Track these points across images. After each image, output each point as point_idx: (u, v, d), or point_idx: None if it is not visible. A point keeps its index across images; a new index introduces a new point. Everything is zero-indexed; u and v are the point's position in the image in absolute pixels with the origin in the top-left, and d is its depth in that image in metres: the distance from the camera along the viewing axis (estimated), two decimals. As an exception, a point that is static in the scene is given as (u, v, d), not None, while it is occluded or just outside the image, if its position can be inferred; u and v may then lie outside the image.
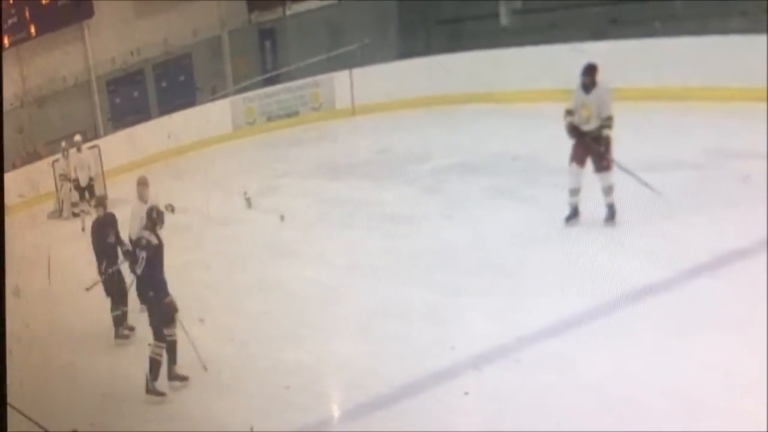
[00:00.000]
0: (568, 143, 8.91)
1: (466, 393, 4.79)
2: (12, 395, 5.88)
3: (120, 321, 7.10)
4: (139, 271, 6.21)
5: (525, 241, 6.88)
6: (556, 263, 6.29)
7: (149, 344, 6.37)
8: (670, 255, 5.85)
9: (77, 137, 12.03)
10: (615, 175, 6.85)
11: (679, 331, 4.84)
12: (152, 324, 6.10)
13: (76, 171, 11.40)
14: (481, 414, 4.62)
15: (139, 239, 6.37)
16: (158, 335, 6.01)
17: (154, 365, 5.90)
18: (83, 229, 10.51)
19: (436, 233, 7.57)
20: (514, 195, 7.80)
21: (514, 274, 6.27)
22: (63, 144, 12.27)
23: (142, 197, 7.09)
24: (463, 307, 5.88)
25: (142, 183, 7.24)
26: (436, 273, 6.62)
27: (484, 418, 4.54)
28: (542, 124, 9.26)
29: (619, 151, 7.94)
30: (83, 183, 11.21)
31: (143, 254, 6.21)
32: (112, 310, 7.14)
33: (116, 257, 7.12)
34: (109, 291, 7.19)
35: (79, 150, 11.55)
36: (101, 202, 7.47)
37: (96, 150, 12.25)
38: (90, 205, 10.93)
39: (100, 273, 7.17)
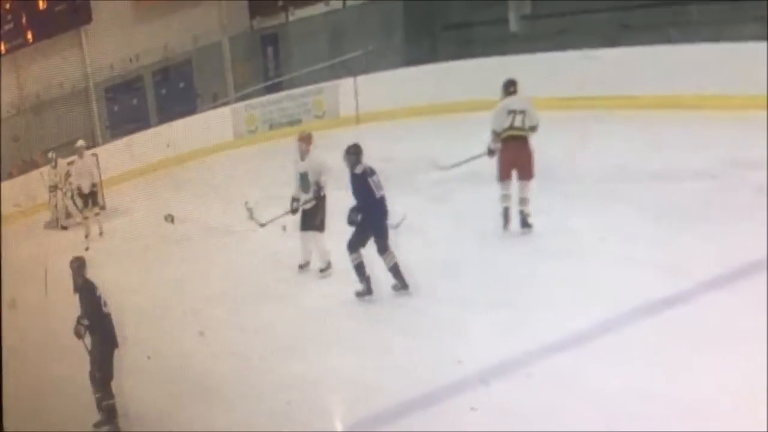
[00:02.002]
0: (582, 153, 9.06)
1: (474, 408, 4.81)
2: (7, 409, 5.94)
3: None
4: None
5: (532, 253, 6.93)
6: (567, 276, 6.33)
7: (148, 357, 6.47)
8: (684, 267, 5.89)
9: (80, 142, 12.09)
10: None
11: (692, 346, 4.87)
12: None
13: (78, 178, 11.47)
14: (489, 430, 4.63)
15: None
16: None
17: None
18: (87, 236, 10.58)
19: (443, 244, 7.63)
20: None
21: (523, 287, 6.32)
22: (50, 154, 12.34)
23: (302, 155, 7.29)
24: (470, 320, 5.91)
25: (304, 139, 7.37)
26: (442, 285, 6.66)
27: (492, 432, 4.56)
28: (554, 133, 9.33)
29: (631, 160, 8.04)
30: (86, 190, 11.28)
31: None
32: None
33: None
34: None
35: (81, 156, 11.64)
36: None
37: (94, 158, 12.32)
38: (93, 214, 11.06)
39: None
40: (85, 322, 5.79)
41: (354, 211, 6.54)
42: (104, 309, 5.88)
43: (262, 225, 7.81)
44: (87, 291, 5.86)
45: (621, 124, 9.06)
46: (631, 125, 9.02)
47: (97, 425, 5.80)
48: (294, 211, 7.38)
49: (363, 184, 6.51)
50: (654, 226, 6.84)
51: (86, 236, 10.65)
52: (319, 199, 7.21)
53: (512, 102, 7.33)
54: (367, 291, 6.67)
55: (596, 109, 8.23)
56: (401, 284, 6.57)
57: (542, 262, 6.68)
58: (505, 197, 7.44)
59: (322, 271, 7.40)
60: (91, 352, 5.83)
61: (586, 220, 7.36)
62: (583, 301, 5.82)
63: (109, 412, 5.79)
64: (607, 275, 6.18)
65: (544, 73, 10.56)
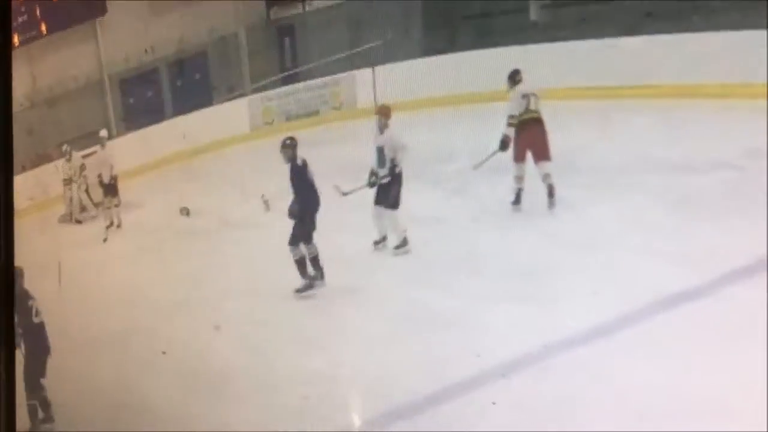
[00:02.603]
0: (603, 144, 9.02)
1: (494, 402, 4.83)
2: (21, 406, 6.02)
3: None
4: None
5: (554, 245, 6.93)
6: (588, 268, 6.33)
7: (163, 352, 6.55)
8: (706, 259, 5.85)
9: (103, 132, 12.26)
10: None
11: (713, 339, 4.84)
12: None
13: (99, 168, 11.65)
14: (508, 424, 4.64)
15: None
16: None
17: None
18: (108, 227, 10.66)
19: (462, 236, 7.63)
20: (544, 197, 7.80)
21: (543, 280, 6.32)
22: (65, 147, 12.50)
23: (381, 128, 7.37)
24: (489, 314, 5.93)
25: (383, 112, 7.50)
26: (461, 278, 6.67)
27: (512, 428, 4.56)
28: (575, 123, 9.28)
29: (653, 150, 7.98)
30: (106, 180, 11.44)
31: None
32: None
33: None
34: None
35: (103, 146, 11.79)
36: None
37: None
38: (113, 205, 11.20)
39: None
40: (19, 330, 5.85)
41: (295, 204, 6.82)
42: (35, 319, 6.06)
43: (345, 194, 7.76)
44: (20, 301, 5.95)
45: (643, 114, 8.98)
46: (652, 115, 8.93)
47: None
48: (372, 184, 7.42)
49: (304, 175, 6.80)
50: (675, 218, 6.80)
51: (108, 227, 10.79)
52: (394, 176, 7.26)
53: (523, 87, 7.73)
54: (308, 286, 6.97)
55: (617, 98, 8.18)
56: (320, 275, 6.95)
57: (562, 254, 6.67)
58: (519, 179, 7.78)
59: (396, 248, 7.41)
60: (25, 357, 5.92)
61: (606, 211, 7.32)
62: (604, 294, 5.81)
63: (43, 405, 6.02)
64: (627, 267, 6.16)
65: (565, 62, 10.51)
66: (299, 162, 6.93)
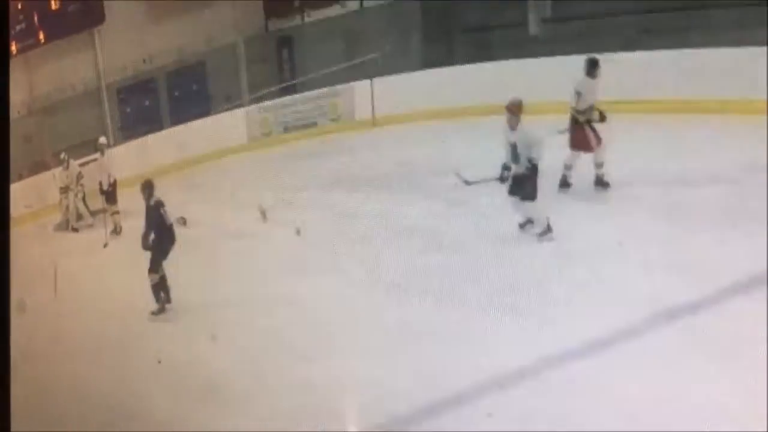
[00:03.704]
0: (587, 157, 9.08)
1: (490, 414, 4.83)
2: (16, 413, 6.02)
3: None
4: None
5: (552, 258, 6.97)
6: (587, 281, 6.37)
7: (159, 361, 6.56)
8: (704, 273, 5.89)
9: (102, 139, 12.27)
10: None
11: (713, 353, 4.87)
12: None
13: (99, 174, 11.69)
14: (504, 437, 4.66)
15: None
16: None
17: None
18: (110, 232, 10.64)
19: (460, 248, 7.67)
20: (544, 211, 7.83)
21: (542, 292, 6.34)
22: (62, 155, 12.51)
23: (512, 125, 7.41)
24: (488, 325, 5.95)
25: (513, 109, 7.41)
26: (460, 290, 6.69)
27: (508, 440, 4.58)
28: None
29: (651, 164, 8.05)
30: (105, 187, 11.46)
31: None
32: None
33: None
34: None
35: (102, 153, 11.81)
36: None
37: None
38: (113, 212, 11.21)
39: None
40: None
41: (146, 237, 7.94)
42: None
43: (468, 183, 7.87)
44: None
45: (641, 128, 9.05)
46: (651, 129, 9.02)
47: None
48: (503, 179, 7.48)
49: (156, 213, 7.92)
50: (673, 231, 6.84)
51: (112, 231, 10.80)
52: (531, 170, 7.29)
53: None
54: (161, 310, 7.80)
55: (616, 113, 8.23)
56: (167, 298, 7.86)
57: (561, 267, 6.72)
58: (568, 167, 8.16)
59: (540, 235, 7.41)
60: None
61: (605, 224, 7.38)
62: (602, 307, 5.84)
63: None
64: (625, 280, 6.19)
65: (564, 76, 10.55)
66: (152, 202, 7.96)
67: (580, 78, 8.19)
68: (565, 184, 8.25)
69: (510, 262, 7.01)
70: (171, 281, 8.45)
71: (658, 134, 8.76)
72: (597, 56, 8.24)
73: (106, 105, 16.00)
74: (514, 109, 7.39)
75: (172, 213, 7.89)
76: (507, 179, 7.47)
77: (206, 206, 11.01)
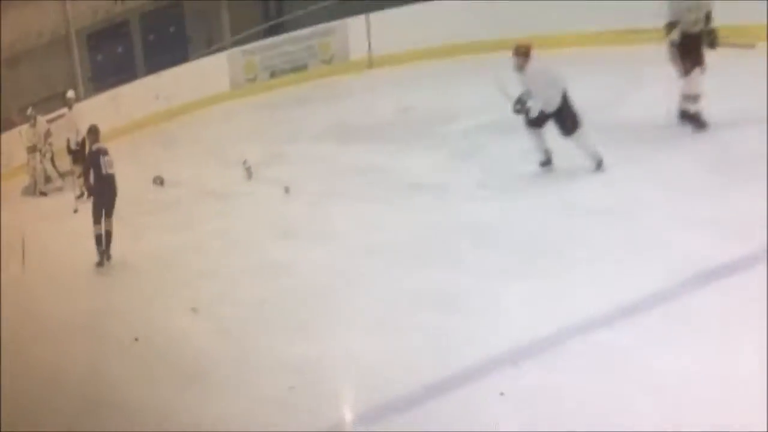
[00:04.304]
0: (622, 94, 8.81)
1: (502, 393, 4.69)
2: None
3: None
4: None
5: (573, 213, 6.77)
6: (609, 240, 6.17)
7: (135, 339, 6.47)
8: (749, 228, 5.67)
9: (71, 93, 12.20)
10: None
11: (751, 320, 4.68)
12: None
13: (66, 132, 11.58)
14: (519, 418, 4.53)
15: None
16: None
17: None
18: (78, 197, 10.59)
19: (469, 206, 7.52)
20: (562, 158, 7.62)
21: (559, 254, 6.17)
22: (29, 111, 12.40)
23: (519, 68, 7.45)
24: (498, 293, 5.78)
25: (520, 52, 7.45)
26: (467, 253, 6.55)
27: (523, 422, 4.45)
28: (592, 73, 9.10)
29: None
30: (74, 145, 11.32)
31: None
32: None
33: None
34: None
35: (70, 108, 11.67)
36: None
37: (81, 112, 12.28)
38: (77, 175, 11.08)
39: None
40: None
41: (87, 182, 8.62)
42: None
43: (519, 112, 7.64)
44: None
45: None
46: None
47: None
48: (517, 111, 7.53)
49: (95, 160, 8.39)
50: (715, 181, 6.61)
51: (78, 197, 10.68)
52: (564, 102, 7.32)
53: None
54: (100, 264, 8.33)
55: (652, 43, 7.88)
56: (108, 256, 8.36)
57: (584, 224, 6.52)
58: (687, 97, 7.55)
59: (597, 168, 7.36)
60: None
61: (635, 172, 7.16)
62: (631, 269, 5.65)
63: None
64: (659, 238, 5.99)
65: (585, 4, 10.28)
66: (93, 148, 8.50)
67: None
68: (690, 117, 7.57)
69: (524, 219, 6.88)
70: (147, 246, 8.45)
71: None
72: None
73: (76, 53, 15.94)
74: (521, 53, 7.43)
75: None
76: (520, 112, 7.50)
77: (185, 163, 10.98)
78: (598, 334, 5.07)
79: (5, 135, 13.48)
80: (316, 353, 5.61)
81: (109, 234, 8.35)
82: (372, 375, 5.24)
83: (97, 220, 8.34)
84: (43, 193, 12.26)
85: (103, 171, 8.31)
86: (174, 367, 6.04)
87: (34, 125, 12.37)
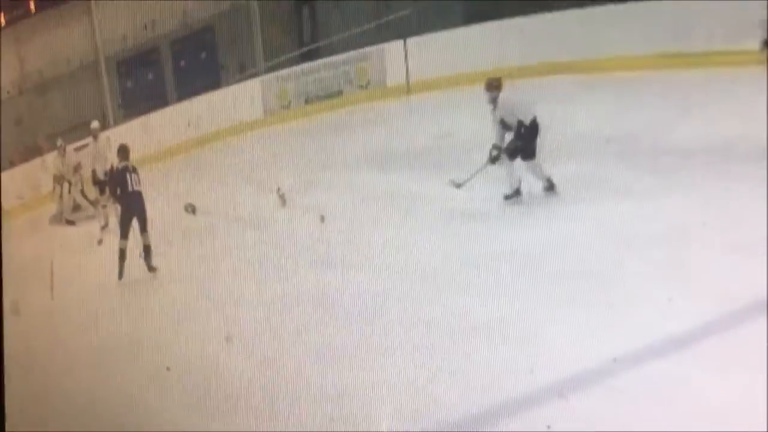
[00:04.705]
0: (676, 119, 8.83)
1: (549, 426, 4.74)
2: (12, 425, 6.12)
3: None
4: None
5: (621, 240, 6.82)
6: (663, 268, 6.23)
7: (167, 368, 6.60)
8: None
9: (95, 123, 12.42)
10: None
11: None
12: None
13: (92, 163, 11.84)
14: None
15: None
16: None
17: None
18: (103, 227, 10.83)
19: (513, 232, 7.59)
20: (609, 185, 7.74)
21: (609, 281, 6.22)
22: (59, 142, 12.65)
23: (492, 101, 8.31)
24: (545, 321, 5.85)
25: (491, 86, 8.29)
26: (511, 280, 6.61)
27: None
28: (642, 97, 9.12)
29: (748, 130, 7.64)
30: (101, 176, 11.58)
31: None
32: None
33: None
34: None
35: (96, 138, 11.94)
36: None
37: (108, 141, 12.53)
38: (110, 203, 11.31)
39: None
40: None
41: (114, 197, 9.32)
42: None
43: (459, 186, 8.57)
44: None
45: (735, 84, 8.70)
46: (749, 84, 8.60)
47: None
48: (494, 160, 8.25)
49: (121, 177, 8.87)
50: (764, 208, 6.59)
51: (103, 227, 10.88)
52: (528, 130, 8.00)
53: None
54: (120, 277, 8.83)
55: (702, 67, 7.91)
56: (151, 267, 8.77)
57: (633, 252, 6.57)
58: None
59: (546, 189, 8.10)
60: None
61: (684, 200, 7.18)
62: (683, 298, 5.69)
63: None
64: (710, 267, 6.03)
65: (637, 26, 10.30)
66: (120, 166, 8.98)
67: None
68: None
69: (571, 246, 6.89)
70: (179, 274, 8.59)
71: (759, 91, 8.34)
72: None
73: (105, 80, 16.12)
74: (492, 87, 8.22)
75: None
76: (498, 159, 8.19)
77: (218, 191, 11.05)
78: (649, 365, 5.09)
79: (33, 163, 13.73)
80: (355, 382, 5.68)
81: (147, 248, 8.73)
82: (412, 405, 5.30)
83: (124, 235, 8.74)
84: (71, 222, 12.49)
85: (130, 188, 8.75)
86: (207, 397, 6.13)
87: (63, 155, 12.65)
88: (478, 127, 10.09)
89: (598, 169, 7.69)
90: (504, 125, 8.11)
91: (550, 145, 8.05)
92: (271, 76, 14.97)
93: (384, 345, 6.13)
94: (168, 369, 6.63)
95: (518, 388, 5.18)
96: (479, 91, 11.87)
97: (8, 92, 14.32)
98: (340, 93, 14.26)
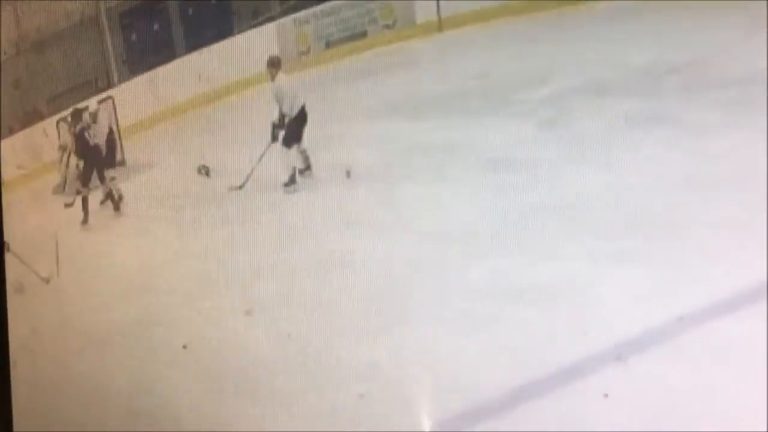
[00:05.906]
0: (746, 43, 8.59)
1: (606, 395, 4.71)
2: (19, 415, 6.26)
3: None
4: None
5: (688, 186, 6.73)
6: (732, 216, 6.12)
7: (184, 346, 6.68)
8: None
9: (94, 105, 12.48)
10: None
11: None
12: None
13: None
14: (626, 424, 4.52)
15: None
16: None
17: None
18: (105, 200, 10.98)
19: (561, 182, 7.50)
20: (672, 122, 7.59)
21: (672, 233, 6.15)
22: (68, 117, 12.76)
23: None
24: (599, 280, 5.82)
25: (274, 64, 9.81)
26: (560, 235, 6.57)
27: (629, 427, 4.44)
28: (708, 20, 8.90)
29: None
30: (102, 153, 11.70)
31: None
32: None
33: None
34: None
35: (95, 120, 12.03)
36: None
37: (110, 103, 12.66)
38: (110, 177, 11.43)
39: None
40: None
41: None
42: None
43: (241, 187, 9.60)
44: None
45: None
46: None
47: None
48: (275, 138, 9.40)
49: (82, 139, 10.20)
50: None
51: (102, 201, 10.97)
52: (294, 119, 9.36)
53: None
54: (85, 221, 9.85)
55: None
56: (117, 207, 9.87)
57: (697, 198, 6.48)
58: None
59: (285, 185, 9.22)
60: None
61: (754, 136, 6.96)
62: (755, 251, 5.54)
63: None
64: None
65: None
66: (78, 129, 10.54)
67: None
68: None
69: (627, 195, 6.79)
70: (193, 244, 8.71)
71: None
72: None
73: (108, 34, 16.21)
74: (273, 64, 9.75)
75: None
76: (277, 138, 9.33)
77: (234, 150, 11.07)
78: (719, 324, 5.03)
79: (33, 129, 13.91)
80: (387, 355, 5.71)
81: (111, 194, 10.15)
82: (452, 377, 5.32)
83: (84, 183, 10.19)
84: (78, 191, 12.67)
85: (91, 143, 10.32)
86: (227, 376, 6.22)
87: (75, 122, 12.76)
88: (517, 67, 10.05)
89: (659, 105, 7.52)
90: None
91: (602, 79, 7.88)
92: (288, 19, 14.91)
93: (418, 314, 6.13)
94: (184, 347, 6.69)
95: (570, 353, 5.14)
96: (517, 24, 11.87)
97: (5, 53, 14.44)
98: (364, 34, 14.18)
